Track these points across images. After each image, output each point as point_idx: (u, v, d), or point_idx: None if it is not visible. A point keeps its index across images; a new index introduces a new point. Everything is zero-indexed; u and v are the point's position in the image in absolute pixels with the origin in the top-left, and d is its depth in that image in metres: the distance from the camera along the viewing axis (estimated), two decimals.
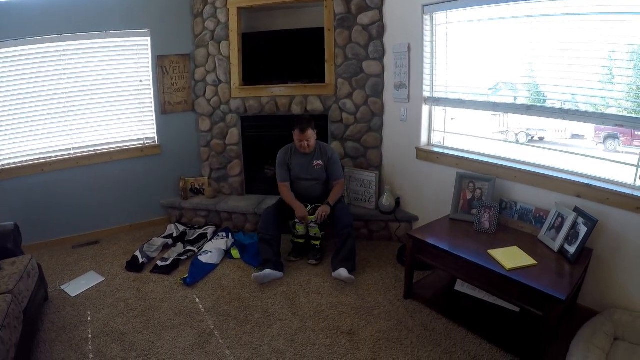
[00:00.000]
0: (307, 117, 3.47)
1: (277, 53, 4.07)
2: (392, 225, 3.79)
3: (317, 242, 3.41)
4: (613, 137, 3.55)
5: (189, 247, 3.65)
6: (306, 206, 3.36)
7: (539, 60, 2.80)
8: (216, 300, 2.93)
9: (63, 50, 3.63)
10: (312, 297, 2.93)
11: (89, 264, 3.50)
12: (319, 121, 3.92)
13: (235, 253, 3.59)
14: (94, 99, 3.86)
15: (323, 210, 3.26)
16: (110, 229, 4.13)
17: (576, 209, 2.42)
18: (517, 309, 2.55)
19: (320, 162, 3.45)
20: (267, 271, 3.08)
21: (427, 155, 3.48)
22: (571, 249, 2.33)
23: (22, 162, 3.68)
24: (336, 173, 3.46)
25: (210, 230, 3.99)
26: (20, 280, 2.39)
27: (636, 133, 3.35)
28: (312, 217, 3.29)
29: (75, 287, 3.13)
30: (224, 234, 3.87)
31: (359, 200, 3.93)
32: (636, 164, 2.34)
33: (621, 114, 2.42)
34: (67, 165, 3.82)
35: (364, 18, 3.66)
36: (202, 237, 3.87)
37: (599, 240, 2.40)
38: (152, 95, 4.08)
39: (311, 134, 3.34)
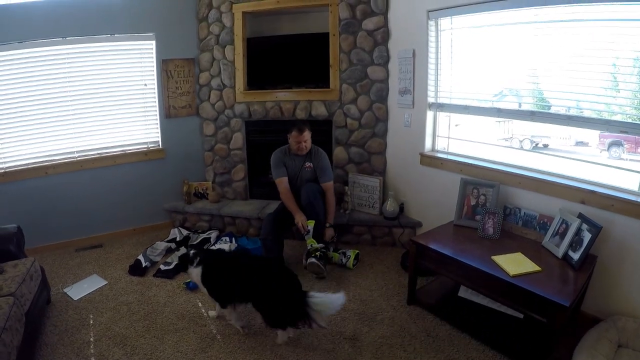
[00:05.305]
0: (303, 119, 3.48)
1: (282, 58, 4.08)
2: (395, 231, 3.78)
3: (317, 253, 3.18)
4: (617, 144, 3.55)
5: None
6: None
7: (543, 67, 2.79)
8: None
9: (68, 54, 3.66)
10: None
11: (92, 268, 3.51)
12: (323, 126, 3.94)
13: None
14: (98, 103, 3.88)
15: (330, 234, 3.35)
16: (114, 232, 4.13)
17: (580, 216, 2.41)
18: (521, 316, 2.53)
19: (310, 164, 3.52)
20: None
21: (431, 161, 3.48)
22: (575, 256, 2.32)
23: (26, 164, 3.69)
24: (325, 174, 3.49)
25: (213, 234, 3.98)
26: (22, 283, 2.39)
27: None
28: (310, 222, 3.25)
29: (78, 291, 3.13)
30: (227, 238, 3.86)
31: (362, 205, 3.92)
32: None
33: (626, 120, 2.42)
34: (71, 168, 3.84)
35: (369, 23, 3.67)
36: (206, 242, 3.86)
37: (603, 247, 2.39)
38: (156, 99, 4.10)
39: (308, 134, 3.41)
